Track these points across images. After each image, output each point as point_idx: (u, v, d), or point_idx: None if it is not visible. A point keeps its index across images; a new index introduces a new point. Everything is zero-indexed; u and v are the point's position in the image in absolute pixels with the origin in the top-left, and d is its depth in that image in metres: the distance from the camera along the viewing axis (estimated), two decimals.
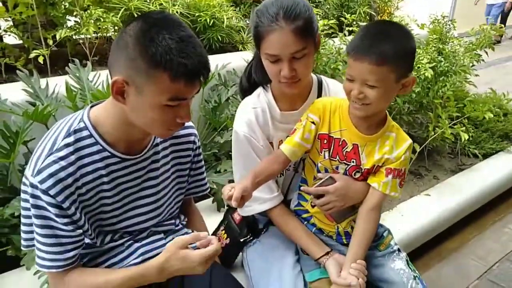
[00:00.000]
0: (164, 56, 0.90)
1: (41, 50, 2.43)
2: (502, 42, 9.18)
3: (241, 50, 3.32)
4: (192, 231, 1.33)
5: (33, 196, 0.98)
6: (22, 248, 1.12)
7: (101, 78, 2.15)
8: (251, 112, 1.34)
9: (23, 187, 1.02)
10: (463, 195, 2.61)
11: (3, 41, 2.71)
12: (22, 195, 1.03)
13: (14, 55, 2.60)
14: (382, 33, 1.10)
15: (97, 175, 1.05)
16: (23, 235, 1.09)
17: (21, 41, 2.74)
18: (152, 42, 0.91)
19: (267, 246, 1.45)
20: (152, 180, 1.18)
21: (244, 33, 3.44)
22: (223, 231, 1.54)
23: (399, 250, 1.38)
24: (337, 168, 1.29)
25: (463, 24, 3.68)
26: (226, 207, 1.66)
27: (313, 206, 1.35)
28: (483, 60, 2.88)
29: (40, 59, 2.42)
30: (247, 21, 3.69)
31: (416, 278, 1.30)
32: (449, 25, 3.11)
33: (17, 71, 2.05)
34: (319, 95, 1.41)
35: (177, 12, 2.92)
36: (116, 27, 2.77)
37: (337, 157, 1.27)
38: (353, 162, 1.26)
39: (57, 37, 2.50)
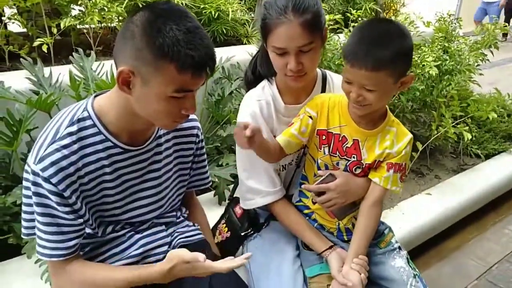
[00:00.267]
0: (171, 48, 0.89)
1: (45, 39, 2.42)
2: (508, 40, 9.11)
3: (245, 44, 3.31)
4: (194, 224, 1.34)
5: (35, 183, 0.97)
6: (23, 236, 1.11)
7: (104, 68, 2.15)
8: (256, 104, 1.34)
9: (25, 175, 1.01)
10: (464, 195, 2.61)
11: (7, 28, 2.70)
12: (24, 183, 1.02)
13: (18, 43, 2.59)
14: (378, 37, 1.09)
15: (99, 165, 1.05)
16: (23, 223, 1.08)
17: (25, 29, 2.73)
18: (159, 33, 0.90)
19: (268, 241, 1.45)
20: (155, 172, 1.17)
21: (249, 27, 3.43)
22: (224, 225, 1.55)
23: (399, 248, 1.38)
24: (337, 164, 1.29)
25: (469, 24, 3.66)
26: (227, 201, 1.66)
27: (314, 203, 1.35)
28: (488, 60, 2.87)
29: (44, 48, 2.42)
30: (252, 15, 3.67)
31: (416, 277, 1.30)
32: (455, 23, 3.08)
33: (21, 59, 2.04)
34: (323, 89, 1.40)
35: (182, 3, 2.91)
36: (120, 17, 2.76)
37: (337, 153, 1.27)
38: (353, 157, 1.26)
39: (62, 25, 2.50)
